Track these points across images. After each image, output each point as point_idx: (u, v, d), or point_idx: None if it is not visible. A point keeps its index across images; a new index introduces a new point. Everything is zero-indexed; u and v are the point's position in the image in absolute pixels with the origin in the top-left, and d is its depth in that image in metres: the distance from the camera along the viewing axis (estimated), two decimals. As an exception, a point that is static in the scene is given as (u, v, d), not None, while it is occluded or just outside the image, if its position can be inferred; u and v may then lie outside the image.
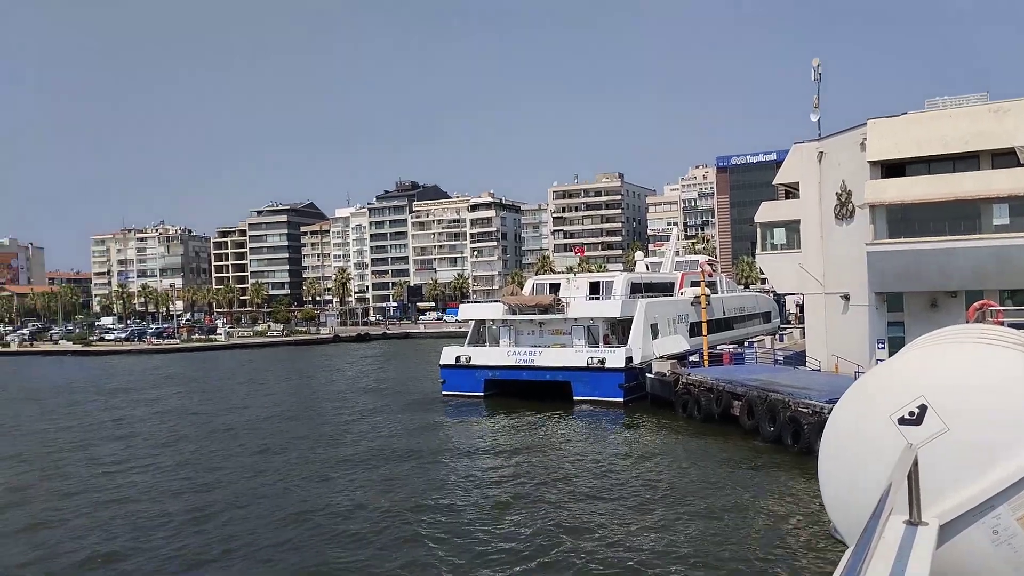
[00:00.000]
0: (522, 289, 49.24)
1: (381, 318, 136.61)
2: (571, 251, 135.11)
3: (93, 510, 22.24)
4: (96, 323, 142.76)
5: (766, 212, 38.20)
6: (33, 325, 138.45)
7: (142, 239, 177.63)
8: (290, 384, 57.82)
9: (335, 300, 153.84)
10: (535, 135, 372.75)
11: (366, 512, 21.07)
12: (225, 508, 21.92)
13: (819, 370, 34.72)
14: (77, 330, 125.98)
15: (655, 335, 42.16)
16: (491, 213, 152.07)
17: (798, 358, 39.01)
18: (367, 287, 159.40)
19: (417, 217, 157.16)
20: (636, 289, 45.68)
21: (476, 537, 18.56)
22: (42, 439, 35.66)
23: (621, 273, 50.20)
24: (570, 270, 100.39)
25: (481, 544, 18.03)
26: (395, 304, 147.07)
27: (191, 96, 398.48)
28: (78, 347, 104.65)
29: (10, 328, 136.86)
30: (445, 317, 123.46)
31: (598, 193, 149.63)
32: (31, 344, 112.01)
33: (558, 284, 46.34)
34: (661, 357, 40.10)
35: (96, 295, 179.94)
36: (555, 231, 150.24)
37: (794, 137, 37.05)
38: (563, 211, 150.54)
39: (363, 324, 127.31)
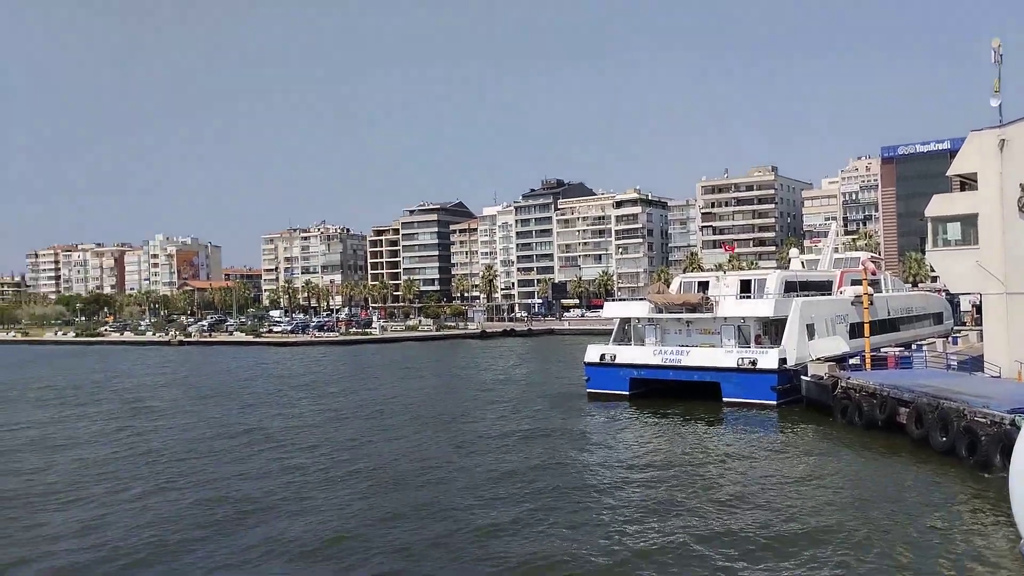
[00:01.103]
0: (669, 287, 48.16)
1: (526, 314, 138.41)
2: (720, 248, 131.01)
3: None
4: (265, 316, 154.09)
5: (939, 206, 35.27)
6: (211, 317, 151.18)
7: (306, 238, 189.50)
8: (441, 377, 59.69)
9: (482, 296, 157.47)
10: (683, 130, 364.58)
11: (507, 505, 21.40)
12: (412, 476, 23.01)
13: (999, 377, 31.73)
14: (249, 322, 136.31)
15: (811, 336, 40.11)
16: (637, 210, 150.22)
17: (975, 363, 35.80)
18: (513, 284, 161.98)
19: (562, 215, 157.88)
20: (791, 288, 43.61)
21: (610, 540, 18.38)
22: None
23: (774, 271, 48.03)
24: (719, 267, 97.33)
25: (618, 548, 17.84)
26: (540, 301, 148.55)
27: (349, 103, 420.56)
28: (250, 338, 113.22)
29: (192, 320, 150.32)
30: (587, 314, 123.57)
31: (749, 187, 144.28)
32: (210, 334, 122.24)
33: (707, 282, 45.02)
34: (818, 359, 38.10)
35: (265, 290, 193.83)
36: (703, 227, 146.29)
37: (970, 125, 33.97)
38: (712, 207, 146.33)
39: (509, 320, 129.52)
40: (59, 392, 55.37)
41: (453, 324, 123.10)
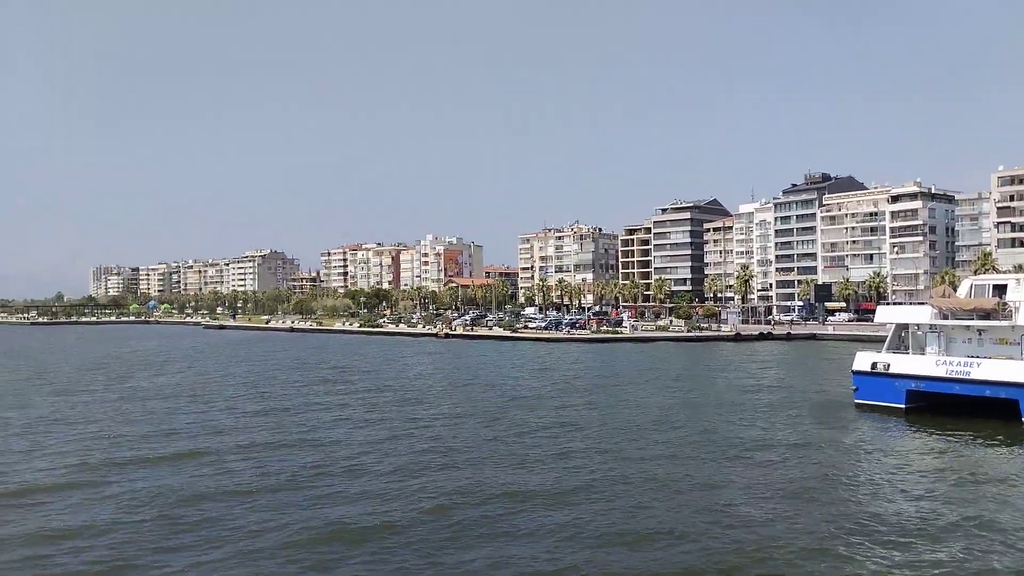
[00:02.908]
0: (956, 290, 42.91)
1: (785, 317, 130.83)
2: (1021, 246, 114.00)
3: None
4: (521, 312, 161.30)
5: None
6: (473, 312, 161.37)
7: (560, 237, 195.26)
8: (695, 379, 58.36)
9: (737, 297, 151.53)
10: (973, 113, 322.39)
11: (778, 523, 20.33)
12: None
13: None
14: (506, 318, 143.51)
15: None
16: (916, 204, 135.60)
17: None
18: (770, 285, 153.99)
19: (827, 211, 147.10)
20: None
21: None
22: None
23: (1095, 273, 40.85)
24: (1019, 268, 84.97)
25: None
26: (800, 303, 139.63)
27: (602, 103, 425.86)
28: (507, 333, 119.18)
29: (456, 314, 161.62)
30: (855, 319, 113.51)
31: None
32: (471, 328, 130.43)
33: (1004, 285, 39.39)
34: None
35: (521, 287, 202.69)
36: (1000, 223, 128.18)
37: None
38: (1011, 199, 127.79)
39: (765, 323, 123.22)
40: (369, 377, 62.18)
41: (705, 325, 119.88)
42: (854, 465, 27.62)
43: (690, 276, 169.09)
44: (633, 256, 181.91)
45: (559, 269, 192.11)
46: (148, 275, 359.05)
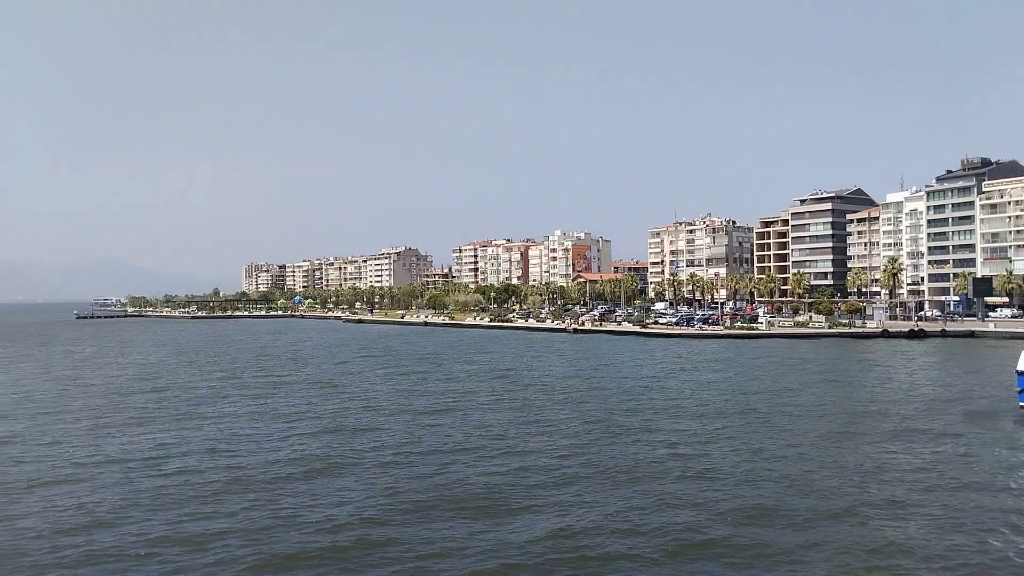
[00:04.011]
0: None
1: (939, 313, 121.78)
2: None
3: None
4: (651, 307, 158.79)
5: None
6: (601, 307, 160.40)
7: (691, 231, 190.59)
8: (837, 378, 55.47)
9: (883, 292, 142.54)
10: None
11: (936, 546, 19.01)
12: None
13: None
14: (635, 313, 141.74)
15: None
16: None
17: None
18: (921, 279, 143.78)
19: (988, 198, 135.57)
20: None
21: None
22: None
23: None
24: None
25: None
26: (956, 298, 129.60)
27: (729, 94, 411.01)
28: (636, 328, 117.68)
29: (584, 309, 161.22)
30: (1020, 315, 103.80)
31: None
32: (600, 324, 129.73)
33: None
34: None
35: (651, 282, 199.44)
36: None
37: None
38: None
39: (916, 319, 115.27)
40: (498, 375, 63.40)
41: (847, 321, 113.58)
42: (1007, 470, 25.35)
43: (831, 270, 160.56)
44: (769, 249, 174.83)
45: (690, 263, 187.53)
46: (294, 272, 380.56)
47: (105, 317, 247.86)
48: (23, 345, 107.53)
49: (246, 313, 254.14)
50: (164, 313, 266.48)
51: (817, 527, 19.97)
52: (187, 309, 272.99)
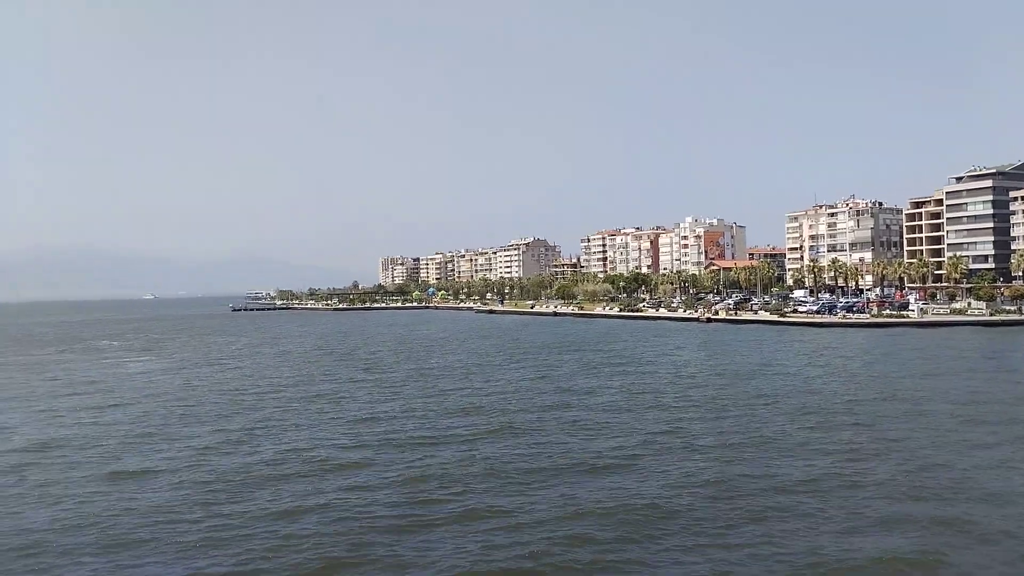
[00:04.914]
0: None
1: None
2: None
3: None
4: (789, 295, 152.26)
5: None
6: (736, 296, 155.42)
7: (832, 214, 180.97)
8: (1010, 369, 51.22)
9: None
10: None
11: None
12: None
13: None
14: (773, 301, 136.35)
15: None
16: None
17: None
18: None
19: None
20: None
21: None
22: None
23: None
24: None
25: None
26: None
27: (870, 65, 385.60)
28: (774, 317, 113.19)
29: (718, 298, 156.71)
30: None
31: None
32: (735, 313, 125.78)
33: None
34: None
35: (789, 269, 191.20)
36: None
37: None
38: None
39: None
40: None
41: (1014, 308, 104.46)
42: None
43: (992, 252, 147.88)
44: (920, 232, 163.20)
45: (832, 248, 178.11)
46: (427, 264, 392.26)
47: (257, 310, 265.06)
48: (216, 335, 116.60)
49: (383, 305, 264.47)
50: (308, 305, 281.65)
51: None
52: (329, 301, 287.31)
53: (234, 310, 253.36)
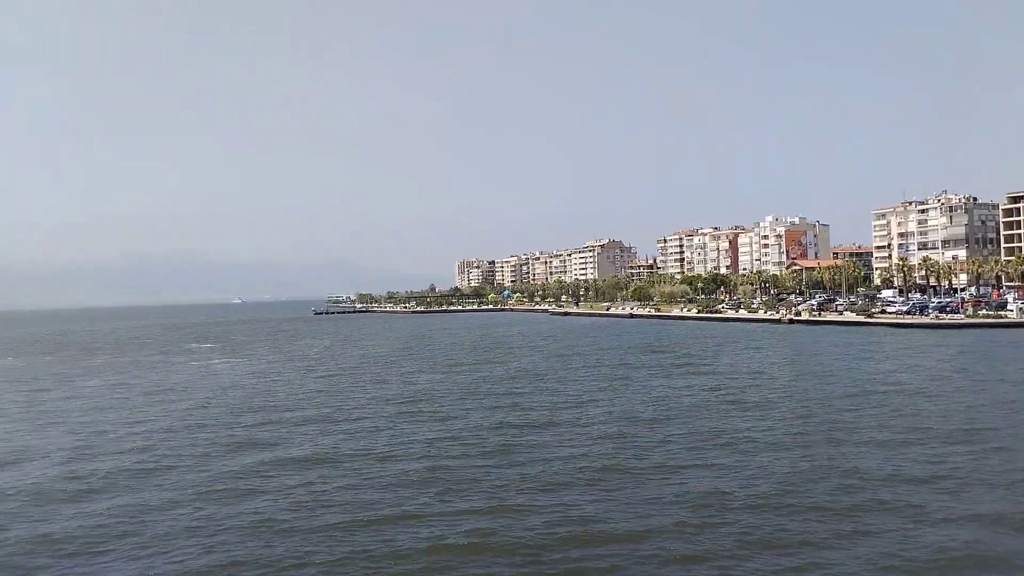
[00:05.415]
0: None
1: None
2: None
3: None
4: (876, 296, 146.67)
5: None
6: (820, 296, 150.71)
7: (923, 210, 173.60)
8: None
9: None
10: None
11: None
12: None
13: None
14: (859, 302, 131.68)
15: None
16: None
17: None
18: None
19: None
20: None
21: None
22: None
23: None
24: None
25: None
26: None
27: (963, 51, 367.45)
28: (860, 318, 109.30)
29: (801, 299, 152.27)
30: None
31: None
32: (819, 313, 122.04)
33: None
34: None
35: (876, 268, 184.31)
36: None
37: None
38: None
39: None
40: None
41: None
42: None
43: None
44: (1019, 228, 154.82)
45: (922, 246, 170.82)
46: (502, 267, 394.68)
47: (338, 313, 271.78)
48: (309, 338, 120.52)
49: (460, 307, 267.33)
50: (387, 308, 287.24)
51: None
52: (407, 304, 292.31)
53: (316, 313, 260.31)
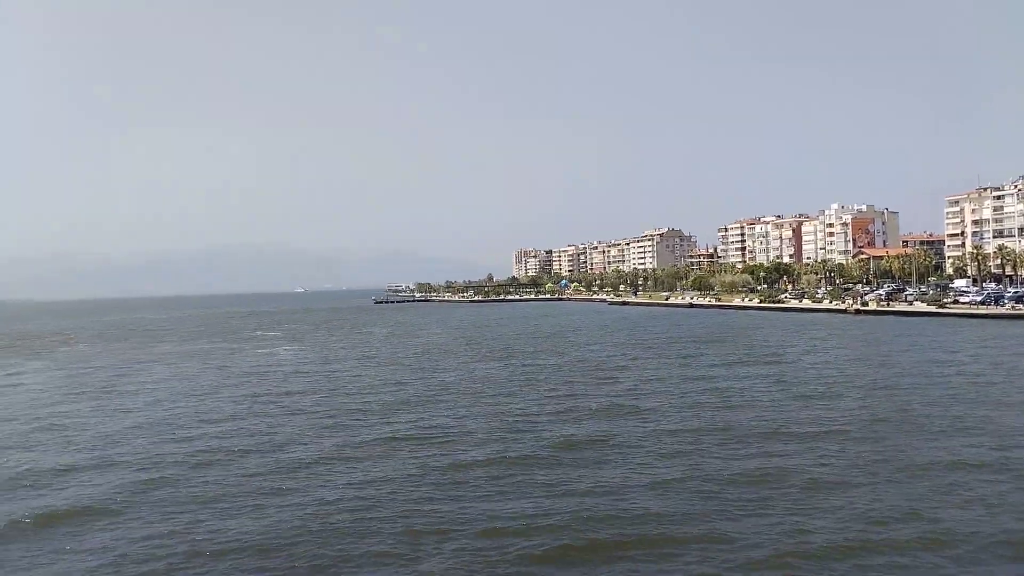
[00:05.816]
0: None
1: None
2: None
3: None
4: (948, 285, 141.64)
5: None
6: (888, 286, 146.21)
7: (998, 197, 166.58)
8: None
9: None
10: None
11: None
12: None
13: None
14: (930, 292, 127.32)
15: None
16: None
17: None
18: None
19: None
20: None
21: None
22: None
23: None
24: None
25: None
26: None
27: None
28: (931, 308, 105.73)
29: (868, 288, 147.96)
30: None
31: None
32: (887, 304, 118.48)
33: None
34: None
35: (948, 256, 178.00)
36: None
37: None
38: None
39: None
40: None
41: None
42: None
43: None
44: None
45: (998, 234, 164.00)
46: (560, 256, 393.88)
47: (397, 302, 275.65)
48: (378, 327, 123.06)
49: (517, 297, 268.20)
50: (445, 297, 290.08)
51: None
52: (465, 293, 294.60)
53: (376, 302, 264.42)
